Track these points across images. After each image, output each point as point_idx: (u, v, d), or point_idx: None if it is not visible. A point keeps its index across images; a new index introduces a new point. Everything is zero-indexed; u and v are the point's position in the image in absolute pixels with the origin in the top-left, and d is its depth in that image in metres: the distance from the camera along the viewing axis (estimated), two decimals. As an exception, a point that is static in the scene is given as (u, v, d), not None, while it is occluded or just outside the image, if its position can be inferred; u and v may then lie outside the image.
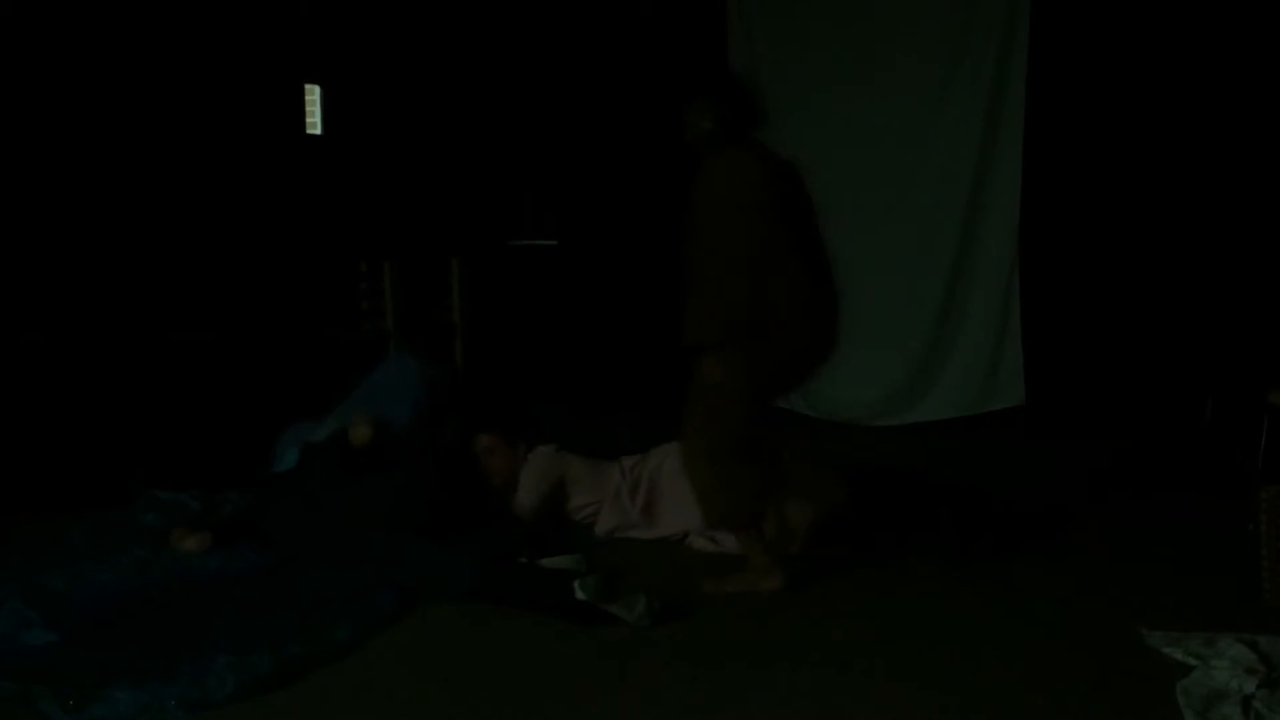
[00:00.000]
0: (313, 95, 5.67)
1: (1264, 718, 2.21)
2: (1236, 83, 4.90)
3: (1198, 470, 4.11)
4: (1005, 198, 5.11)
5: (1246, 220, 4.95)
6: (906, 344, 5.44)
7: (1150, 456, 4.66)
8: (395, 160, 5.86)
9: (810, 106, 5.63)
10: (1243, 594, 2.94)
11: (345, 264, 5.41)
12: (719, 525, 3.20)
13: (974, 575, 3.19)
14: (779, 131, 5.67)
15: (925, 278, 5.36)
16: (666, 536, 3.66)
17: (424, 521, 3.40)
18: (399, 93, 5.87)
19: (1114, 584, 3.12)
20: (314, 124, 5.68)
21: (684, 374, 5.54)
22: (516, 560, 3.23)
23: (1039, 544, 3.42)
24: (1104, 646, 2.64)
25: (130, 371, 4.59)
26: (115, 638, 2.68)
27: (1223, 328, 4.95)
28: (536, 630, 2.80)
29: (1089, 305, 5.25)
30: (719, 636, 2.76)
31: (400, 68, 5.86)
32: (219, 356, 4.80)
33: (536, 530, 3.59)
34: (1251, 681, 2.33)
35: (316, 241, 5.43)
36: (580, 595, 2.85)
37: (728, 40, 5.95)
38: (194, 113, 4.99)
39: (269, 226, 5.26)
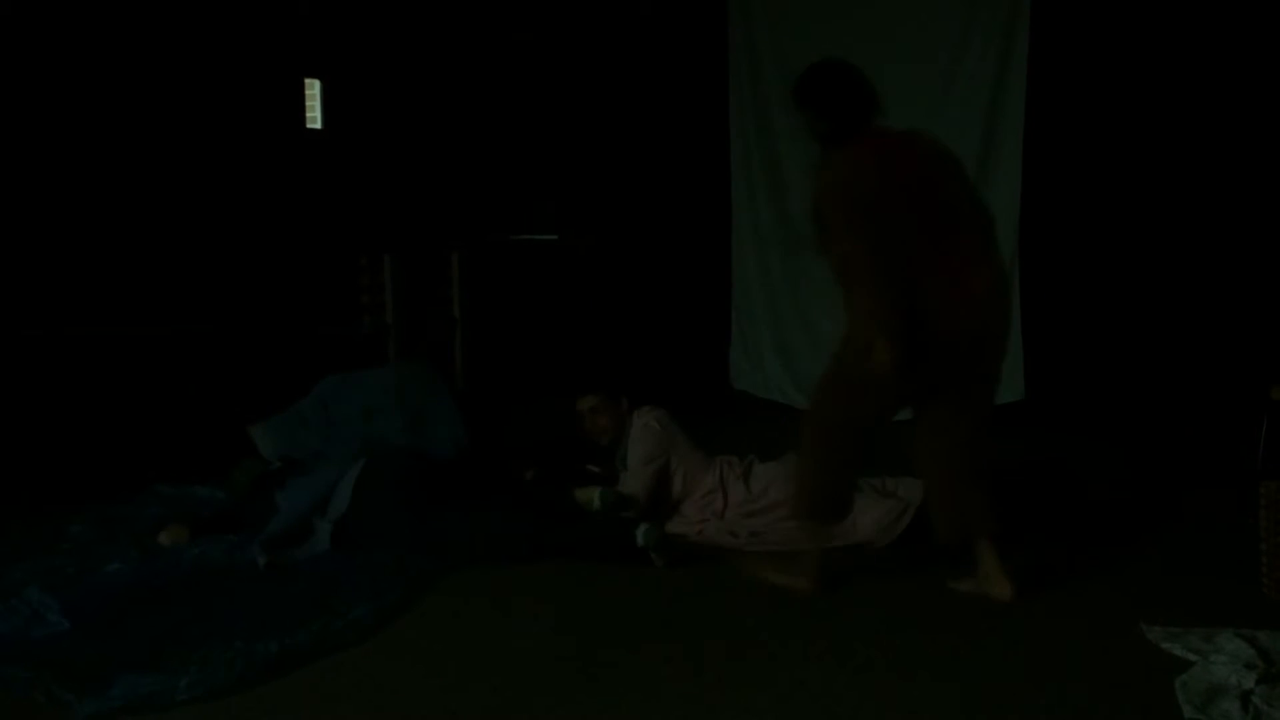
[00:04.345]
0: (313, 90, 5.68)
1: (1263, 713, 2.22)
2: (1236, 80, 4.91)
3: (1198, 465, 4.12)
4: (1006, 194, 5.11)
5: (1246, 216, 4.96)
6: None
7: (1150, 451, 4.67)
8: (395, 155, 5.87)
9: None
10: (1242, 589, 2.96)
11: (345, 258, 5.41)
12: (806, 514, 3.09)
13: (972, 568, 3.20)
14: (778, 131, 5.74)
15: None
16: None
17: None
18: (399, 87, 5.87)
19: (1114, 578, 3.13)
20: (314, 118, 5.69)
21: (681, 370, 5.54)
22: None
23: (1038, 539, 3.42)
24: (1104, 641, 2.65)
25: (131, 366, 4.59)
26: (125, 625, 2.71)
27: (1223, 323, 4.95)
28: (537, 621, 2.83)
29: (1089, 301, 5.26)
30: (719, 630, 2.78)
31: (401, 63, 5.86)
32: (219, 351, 4.81)
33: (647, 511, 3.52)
34: (1251, 676, 2.34)
35: (316, 236, 5.43)
36: (641, 543, 3.15)
37: (728, 40, 5.95)
38: (195, 107, 4.99)
39: (269, 221, 5.26)
